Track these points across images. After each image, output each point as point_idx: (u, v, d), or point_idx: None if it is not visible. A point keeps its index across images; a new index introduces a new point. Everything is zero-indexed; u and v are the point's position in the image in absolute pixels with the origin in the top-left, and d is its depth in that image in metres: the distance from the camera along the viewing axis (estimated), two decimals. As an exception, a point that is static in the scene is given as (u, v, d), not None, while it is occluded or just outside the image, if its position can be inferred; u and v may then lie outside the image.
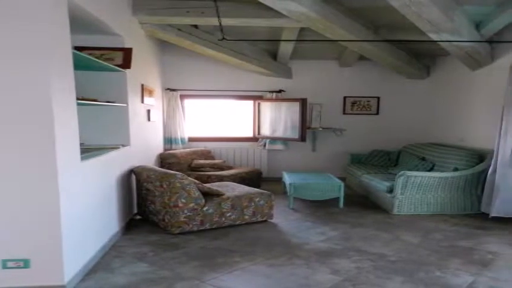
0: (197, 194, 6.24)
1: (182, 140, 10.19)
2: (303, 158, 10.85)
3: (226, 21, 7.11)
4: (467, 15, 6.77)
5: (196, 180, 6.56)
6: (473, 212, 7.62)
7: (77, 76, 4.53)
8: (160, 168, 6.72)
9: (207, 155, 10.12)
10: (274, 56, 10.08)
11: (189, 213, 6.17)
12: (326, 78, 10.69)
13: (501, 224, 6.92)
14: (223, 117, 10.90)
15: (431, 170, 8.19)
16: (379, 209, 7.95)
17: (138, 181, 6.86)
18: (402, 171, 7.52)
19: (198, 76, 10.30)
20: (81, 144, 4.72)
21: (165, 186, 6.12)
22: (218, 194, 6.54)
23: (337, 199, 7.99)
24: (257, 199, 6.83)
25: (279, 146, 10.56)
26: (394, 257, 5.42)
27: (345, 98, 10.82)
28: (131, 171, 6.88)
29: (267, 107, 10.34)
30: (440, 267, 5.09)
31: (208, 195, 6.47)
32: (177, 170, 7.34)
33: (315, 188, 7.81)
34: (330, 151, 10.96)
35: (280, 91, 10.39)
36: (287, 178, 8.41)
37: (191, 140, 10.53)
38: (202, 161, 9.49)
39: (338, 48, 9.33)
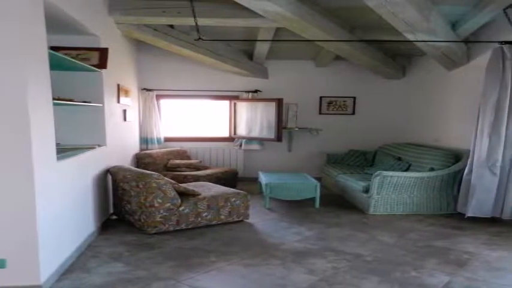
0: (173, 194, 6.25)
1: (158, 140, 10.18)
2: (279, 158, 10.90)
3: (203, 21, 7.11)
4: (443, 15, 6.86)
5: (172, 180, 6.57)
6: (449, 212, 7.68)
7: (53, 76, 4.51)
8: (136, 168, 6.72)
9: (183, 155, 10.12)
10: (250, 56, 10.12)
11: (165, 213, 6.18)
12: (302, 78, 10.75)
13: (477, 224, 6.99)
14: (199, 117, 10.90)
15: (407, 170, 8.26)
16: (355, 209, 8.00)
17: (114, 181, 6.85)
18: (378, 171, 7.58)
19: (174, 76, 10.29)
20: (57, 144, 4.71)
21: (141, 186, 6.12)
22: (194, 194, 6.55)
23: (313, 199, 8.03)
24: (233, 199, 6.85)
25: (255, 146, 10.59)
26: (370, 257, 5.46)
27: (321, 98, 10.89)
28: (107, 171, 6.86)
29: (243, 107, 10.37)
30: (416, 267, 5.13)
31: (184, 195, 6.48)
32: (153, 170, 7.34)
33: (291, 188, 7.85)
34: (306, 151, 11.02)
35: (256, 91, 10.42)
36: (263, 178, 8.45)
37: (167, 140, 10.51)
38: (178, 161, 9.49)
39: (314, 48, 9.37)
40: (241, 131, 10.42)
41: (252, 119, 10.14)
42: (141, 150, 10.00)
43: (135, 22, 7.45)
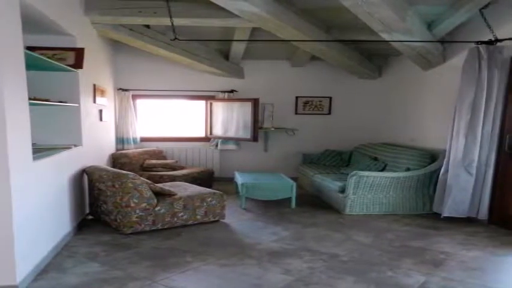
0: (149, 194, 6.26)
1: (134, 140, 10.17)
2: (255, 158, 10.94)
3: (179, 21, 7.12)
4: (419, 15, 6.93)
5: (148, 180, 6.58)
6: (425, 212, 7.76)
7: (29, 76, 4.50)
8: (112, 168, 6.73)
9: (159, 155, 10.12)
10: (226, 56, 10.14)
11: (141, 213, 6.19)
12: (278, 79, 10.80)
13: (453, 224, 7.06)
14: (176, 117, 10.90)
15: (383, 170, 8.32)
16: (331, 209, 8.05)
17: (90, 181, 6.84)
18: (354, 171, 7.63)
19: (150, 76, 10.28)
20: (33, 144, 4.69)
21: (117, 186, 6.12)
22: (170, 194, 6.57)
23: (289, 199, 8.08)
24: (209, 199, 6.87)
25: (231, 146, 10.62)
26: (346, 257, 5.51)
27: (297, 98, 10.96)
28: (83, 171, 6.84)
29: (219, 107, 10.39)
30: (392, 267, 5.18)
31: (160, 195, 6.49)
32: (129, 170, 7.32)
33: (267, 188, 7.90)
34: (282, 151, 11.08)
35: (232, 91, 10.45)
36: (239, 178, 8.47)
37: (143, 140, 10.50)
38: (154, 161, 9.49)
39: (290, 48, 9.41)
40: (217, 131, 10.44)
41: (228, 119, 10.16)
42: (117, 150, 9.96)
43: (111, 22, 7.44)
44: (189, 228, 6.65)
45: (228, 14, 6.77)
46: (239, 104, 9.95)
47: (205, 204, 6.81)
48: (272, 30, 7.36)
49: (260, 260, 5.35)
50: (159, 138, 10.69)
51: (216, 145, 10.67)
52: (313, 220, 7.30)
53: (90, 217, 7.12)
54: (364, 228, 6.87)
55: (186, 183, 7.78)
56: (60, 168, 5.78)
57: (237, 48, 9.47)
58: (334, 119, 11.13)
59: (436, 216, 7.39)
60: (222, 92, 10.45)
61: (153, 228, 6.38)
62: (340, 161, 10.38)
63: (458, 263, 5.35)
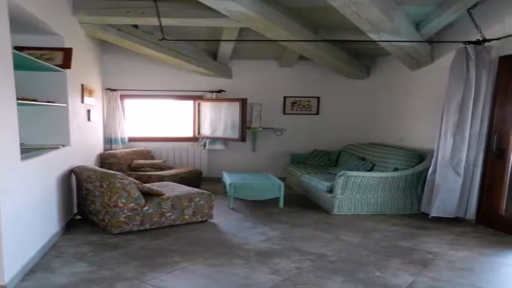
0: (137, 194, 6.26)
1: (122, 140, 10.15)
2: (243, 158, 10.95)
3: (166, 22, 7.14)
4: (407, 15, 6.97)
5: (136, 180, 6.59)
6: (413, 212, 7.80)
7: (16, 76, 4.50)
8: (100, 168, 6.73)
9: (147, 155, 10.12)
10: (214, 56, 10.15)
11: (129, 213, 6.19)
12: (266, 78, 10.82)
13: (441, 224, 7.09)
14: (164, 117, 10.89)
15: (371, 170, 8.34)
16: (319, 209, 8.08)
17: (78, 181, 6.83)
18: (342, 171, 7.65)
19: (138, 76, 10.27)
20: (21, 144, 4.69)
21: (105, 186, 6.12)
22: (158, 194, 6.57)
23: (277, 199, 8.10)
24: (197, 199, 6.89)
25: (219, 146, 10.63)
26: (334, 257, 5.53)
27: (285, 98, 10.98)
28: (71, 171, 6.84)
29: (207, 107, 10.39)
30: (380, 267, 5.21)
31: (148, 195, 6.49)
32: (117, 170, 7.30)
33: (255, 188, 7.91)
34: (270, 151, 11.10)
35: (220, 91, 10.47)
36: (227, 178, 8.48)
37: (131, 140, 10.48)
38: (142, 161, 9.49)
39: (278, 48, 9.44)
40: (205, 131, 10.45)
41: (216, 119, 10.17)
42: (105, 150, 9.95)
43: (99, 22, 7.43)
44: (177, 228, 6.66)
45: (216, 14, 6.78)
46: (227, 104, 9.96)
47: (193, 204, 6.82)
48: (260, 30, 7.38)
49: (248, 260, 5.37)
50: (147, 138, 10.69)
51: (204, 145, 10.68)
52: (301, 220, 7.33)
53: (78, 217, 7.12)
54: (352, 228, 6.90)
55: (174, 183, 7.79)
56: (48, 168, 5.78)
57: (225, 48, 9.48)
58: (322, 119, 11.16)
59: (424, 216, 7.43)
60: (210, 92, 10.46)
61: (141, 228, 6.39)
62: (328, 161, 10.41)
63: (446, 263, 5.39)
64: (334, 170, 9.17)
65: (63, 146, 6.37)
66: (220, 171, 9.97)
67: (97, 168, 6.78)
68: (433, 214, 7.12)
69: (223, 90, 10.49)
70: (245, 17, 6.68)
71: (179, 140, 10.82)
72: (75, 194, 7.05)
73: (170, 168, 9.75)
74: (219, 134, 10.16)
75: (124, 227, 6.22)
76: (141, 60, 9.89)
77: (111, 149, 9.96)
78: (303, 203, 8.66)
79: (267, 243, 6.04)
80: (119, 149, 9.91)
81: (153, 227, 6.51)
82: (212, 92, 10.45)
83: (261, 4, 6.57)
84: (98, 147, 9.48)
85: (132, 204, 6.18)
